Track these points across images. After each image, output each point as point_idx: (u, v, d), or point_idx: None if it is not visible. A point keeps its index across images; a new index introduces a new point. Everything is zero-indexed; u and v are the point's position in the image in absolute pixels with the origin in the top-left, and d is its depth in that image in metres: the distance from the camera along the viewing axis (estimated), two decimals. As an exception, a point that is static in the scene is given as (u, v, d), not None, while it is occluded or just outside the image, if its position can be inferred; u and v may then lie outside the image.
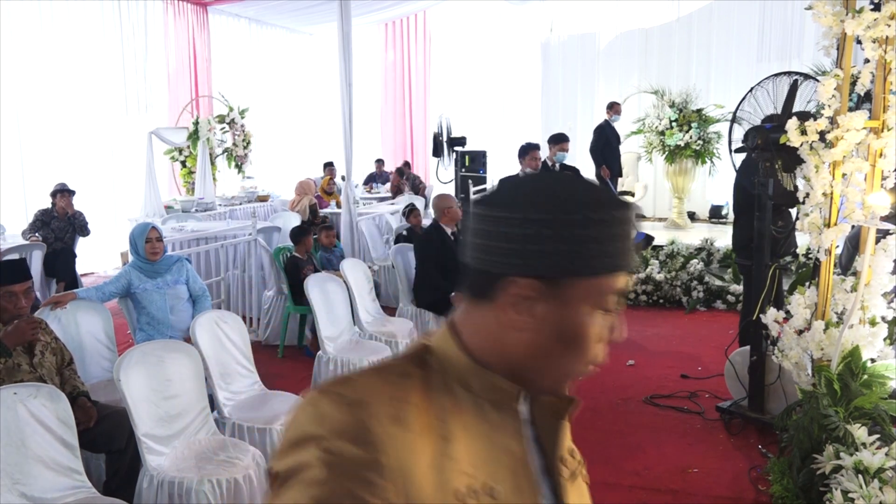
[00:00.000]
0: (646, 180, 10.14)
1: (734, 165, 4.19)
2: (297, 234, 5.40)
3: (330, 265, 5.50)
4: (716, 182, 9.45)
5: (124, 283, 3.78)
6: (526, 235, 0.70)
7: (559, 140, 6.14)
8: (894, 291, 3.46)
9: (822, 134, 3.28)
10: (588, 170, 9.50)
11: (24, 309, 2.84)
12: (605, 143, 8.05)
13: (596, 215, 0.71)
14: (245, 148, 9.53)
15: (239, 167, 9.57)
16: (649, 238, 7.74)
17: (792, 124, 3.35)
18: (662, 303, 6.54)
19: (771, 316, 3.61)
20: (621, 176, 8.31)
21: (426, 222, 6.81)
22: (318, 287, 4.32)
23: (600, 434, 3.84)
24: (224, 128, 9.35)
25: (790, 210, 4.07)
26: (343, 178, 7.22)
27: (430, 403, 0.72)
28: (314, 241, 5.64)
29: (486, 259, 0.73)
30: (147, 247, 3.80)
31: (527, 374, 0.76)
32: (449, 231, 5.14)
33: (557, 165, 6.03)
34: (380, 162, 11.85)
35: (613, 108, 8.23)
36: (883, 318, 3.38)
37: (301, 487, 0.64)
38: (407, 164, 11.25)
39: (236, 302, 5.76)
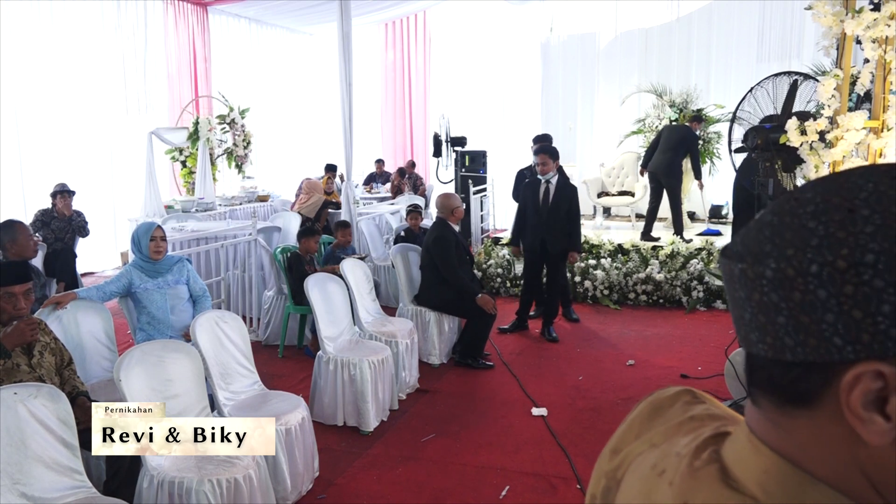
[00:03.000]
0: (646, 180, 10.11)
1: (734, 165, 4.20)
2: (307, 234, 5.40)
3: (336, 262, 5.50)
4: (716, 182, 9.45)
5: (125, 283, 3.78)
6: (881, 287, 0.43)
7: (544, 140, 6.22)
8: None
9: (821, 134, 3.28)
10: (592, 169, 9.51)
11: (24, 310, 2.83)
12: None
13: None
14: (245, 148, 9.53)
15: (239, 167, 9.58)
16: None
17: (792, 124, 3.35)
18: (662, 303, 6.54)
19: (771, 316, 3.61)
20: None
21: (427, 222, 6.81)
22: (318, 287, 4.32)
23: (600, 434, 3.84)
24: (224, 128, 9.35)
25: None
26: (342, 178, 7.21)
27: None
28: (319, 243, 5.64)
29: (798, 344, 0.47)
30: (151, 245, 3.81)
31: None
32: (456, 229, 5.21)
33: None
34: (380, 162, 11.85)
35: (700, 121, 8.30)
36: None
37: None
38: (412, 163, 11.25)
39: (236, 302, 5.77)
